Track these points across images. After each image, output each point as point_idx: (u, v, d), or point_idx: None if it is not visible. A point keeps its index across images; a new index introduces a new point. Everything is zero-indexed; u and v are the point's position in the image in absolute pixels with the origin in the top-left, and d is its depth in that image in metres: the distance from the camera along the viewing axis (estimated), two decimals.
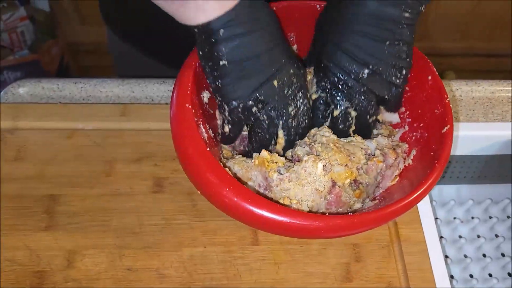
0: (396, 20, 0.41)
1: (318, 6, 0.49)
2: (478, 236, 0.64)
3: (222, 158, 0.44)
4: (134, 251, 0.46)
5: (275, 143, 0.43)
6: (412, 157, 0.46)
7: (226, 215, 0.39)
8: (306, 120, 0.44)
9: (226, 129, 0.43)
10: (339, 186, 0.41)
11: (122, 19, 0.66)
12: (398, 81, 0.43)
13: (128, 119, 0.55)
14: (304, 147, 0.43)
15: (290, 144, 0.44)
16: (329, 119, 0.45)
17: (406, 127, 0.48)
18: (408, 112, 0.48)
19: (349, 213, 0.42)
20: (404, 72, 0.43)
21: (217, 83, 0.40)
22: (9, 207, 0.48)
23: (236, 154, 0.45)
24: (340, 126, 0.45)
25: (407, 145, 0.47)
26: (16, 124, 0.54)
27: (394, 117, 0.49)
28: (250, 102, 0.41)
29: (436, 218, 0.64)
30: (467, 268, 0.61)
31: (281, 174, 0.41)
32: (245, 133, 0.45)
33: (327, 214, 0.42)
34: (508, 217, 0.66)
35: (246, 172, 0.42)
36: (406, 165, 0.46)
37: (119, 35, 0.68)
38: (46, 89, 0.59)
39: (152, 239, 0.47)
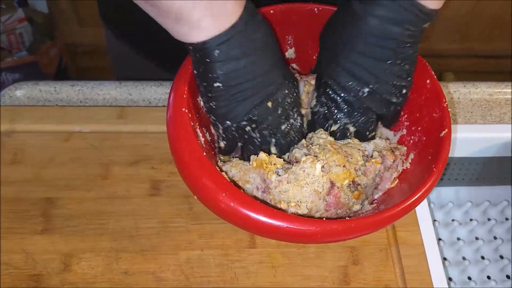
0: (399, 39, 0.39)
1: (315, 9, 0.49)
2: (477, 238, 0.63)
3: (219, 161, 0.44)
4: (130, 255, 0.46)
5: None
6: (410, 161, 0.45)
7: None
8: (299, 136, 0.44)
9: (222, 144, 0.43)
10: (337, 187, 0.41)
11: (121, 21, 0.66)
12: (397, 100, 0.43)
13: (125, 122, 0.55)
14: (301, 149, 0.43)
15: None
16: (328, 133, 0.45)
17: (404, 131, 0.48)
18: (406, 115, 0.48)
19: (348, 216, 0.42)
20: (404, 91, 0.43)
21: (211, 104, 0.40)
22: (6, 210, 0.48)
23: (233, 157, 0.45)
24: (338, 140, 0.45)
25: (405, 148, 0.47)
26: (13, 127, 0.54)
27: (389, 134, 0.49)
28: (244, 122, 0.41)
29: (434, 220, 0.64)
30: (465, 271, 0.61)
31: (279, 175, 0.40)
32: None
33: (326, 216, 0.42)
34: (506, 219, 0.66)
35: (244, 175, 0.42)
36: (404, 168, 0.46)
37: (118, 36, 0.68)
38: (43, 91, 0.59)
39: (149, 242, 0.47)
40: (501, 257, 0.62)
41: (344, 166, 0.41)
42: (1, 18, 1.33)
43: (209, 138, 0.44)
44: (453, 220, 0.65)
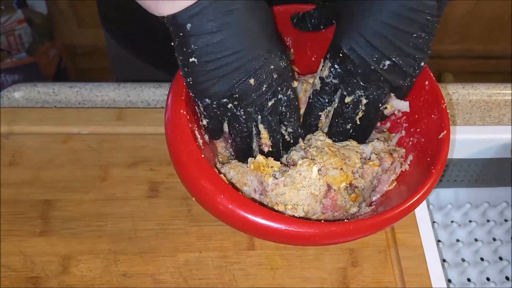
0: (431, 12, 0.38)
1: None
2: (476, 240, 0.63)
3: (218, 163, 0.44)
4: (129, 257, 0.46)
5: (259, 138, 0.42)
6: (408, 162, 0.45)
7: None
8: (290, 110, 0.42)
9: (204, 122, 0.42)
10: (334, 190, 0.41)
11: (120, 23, 0.66)
12: (415, 72, 0.41)
13: (123, 123, 0.55)
14: (299, 151, 0.43)
15: (275, 137, 0.42)
16: (335, 105, 0.43)
17: (403, 132, 0.48)
18: (405, 117, 0.48)
19: (346, 218, 0.42)
20: (422, 63, 0.41)
21: (188, 79, 0.38)
22: (4, 212, 0.48)
23: (232, 159, 0.45)
24: (349, 113, 0.43)
25: (404, 150, 0.46)
26: (12, 128, 0.54)
27: (403, 105, 0.47)
28: (225, 100, 0.38)
29: (433, 222, 0.64)
30: (464, 272, 0.61)
31: (276, 178, 0.40)
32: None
33: (323, 218, 0.41)
34: (505, 220, 0.66)
35: (241, 177, 0.42)
36: (403, 170, 0.46)
37: (117, 38, 0.68)
38: (41, 93, 0.58)
39: (148, 244, 0.47)
40: (501, 258, 0.62)
41: (341, 169, 0.41)
42: (0, 19, 1.33)
43: (207, 140, 0.44)
44: (452, 221, 0.65)
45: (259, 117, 0.40)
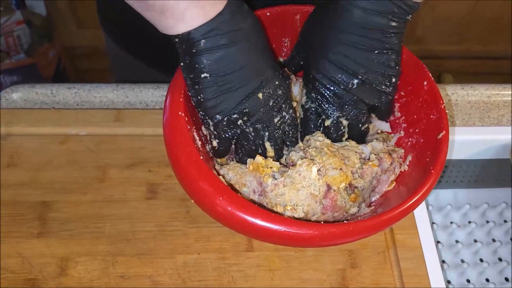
0: (384, 29, 0.40)
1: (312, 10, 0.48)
2: (475, 241, 0.63)
3: (216, 164, 0.44)
4: (127, 258, 0.46)
5: (265, 156, 0.43)
6: (408, 163, 0.45)
7: None
8: (293, 129, 0.44)
9: (214, 143, 0.42)
10: (334, 190, 0.41)
11: (120, 25, 0.65)
12: (387, 89, 0.43)
13: (122, 125, 0.55)
14: (298, 152, 0.43)
15: (279, 153, 0.44)
16: (321, 129, 0.45)
17: (402, 133, 0.47)
18: (403, 117, 0.48)
19: (346, 219, 0.42)
20: (393, 80, 0.43)
21: (199, 97, 0.39)
22: (2, 213, 0.48)
23: (231, 160, 0.45)
24: (333, 135, 0.45)
25: (403, 151, 0.46)
26: (10, 129, 0.54)
27: (385, 126, 0.49)
28: (235, 115, 0.40)
29: (432, 223, 0.64)
30: (464, 273, 0.61)
31: (275, 179, 0.40)
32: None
33: (322, 219, 0.41)
34: (505, 221, 0.65)
35: (240, 178, 0.42)
36: (402, 170, 0.46)
37: (117, 40, 0.68)
38: (40, 94, 0.58)
39: (146, 246, 0.47)
40: (500, 259, 0.62)
41: (340, 169, 0.41)
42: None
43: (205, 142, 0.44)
44: (451, 222, 0.65)
45: (266, 133, 0.42)
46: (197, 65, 0.38)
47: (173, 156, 0.38)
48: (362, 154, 0.44)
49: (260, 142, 0.42)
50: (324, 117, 0.44)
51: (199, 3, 0.35)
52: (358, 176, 0.42)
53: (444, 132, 0.42)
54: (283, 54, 0.52)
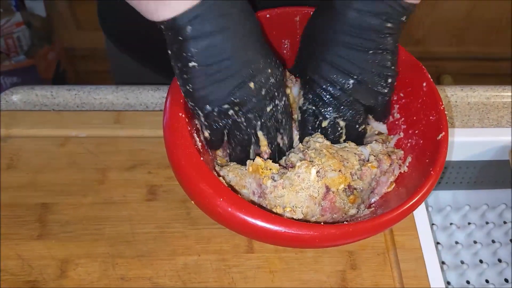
0: (378, 30, 0.40)
1: (312, 12, 0.48)
2: (475, 242, 0.63)
3: (216, 165, 0.44)
4: (127, 260, 0.46)
5: (258, 146, 0.42)
6: (407, 164, 0.45)
7: None
8: (286, 117, 0.43)
9: (206, 134, 0.41)
10: (333, 192, 0.41)
11: (121, 27, 0.65)
12: (384, 90, 0.43)
13: (122, 126, 0.55)
14: (297, 153, 0.43)
15: (272, 142, 0.43)
16: (319, 131, 0.45)
17: (401, 134, 0.48)
18: (403, 118, 0.48)
19: (345, 220, 0.42)
20: (389, 80, 0.43)
21: (187, 87, 0.38)
22: (1, 215, 0.48)
23: (231, 162, 0.45)
24: (331, 137, 0.45)
25: (402, 152, 0.46)
26: (9, 131, 0.54)
27: (382, 128, 0.49)
28: (226, 105, 0.38)
29: (432, 224, 0.64)
30: (463, 274, 0.61)
31: (275, 180, 0.40)
32: None
33: (322, 220, 0.41)
34: (504, 222, 0.66)
35: (240, 180, 0.42)
36: (402, 172, 0.46)
37: (118, 43, 0.68)
38: (39, 96, 0.58)
39: (146, 247, 0.47)
40: (500, 260, 0.62)
41: (339, 170, 0.41)
42: None
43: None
44: (451, 223, 0.65)
45: (259, 123, 0.40)
46: (184, 54, 0.36)
47: (173, 158, 0.39)
48: (361, 155, 0.44)
49: (253, 131, 0.41)
50: (321, 118, 0.44)
51: None
52: (357, 178, 0.43)
53: (443, 133, 0.42)
54: (283, 54, 0.52)
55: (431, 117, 0.44)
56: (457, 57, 1.55)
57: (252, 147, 0.43)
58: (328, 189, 0.41)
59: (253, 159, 0.41)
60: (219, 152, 0.46)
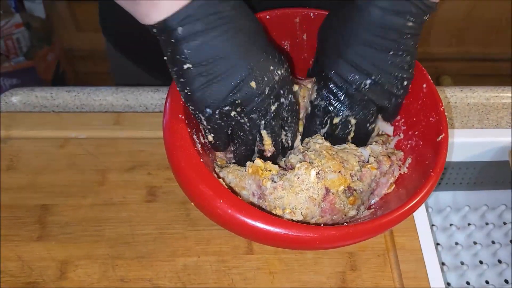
0: (401, 30, 0.39)
1: (311, 14, 0.48)
2: (475, 243, 0.63)
3: (216, 167, 0.44)
4: (127, 261, 0.46)
5: (262, 145, 0.42)
6: (407, 165, 0.45)
7: None
8: (291, 115, 0.42)
9: (210, 138, 0.41)
10: (332, 193, 0.41)
11: (121, 29, 0.65)
12: (398, 92, 0.43)
13: (121, 128, 0.55)
14: (297, 154, 0.43)
15: (276, 140, 0.42)
16: (327, 126, 0.44)
17: (401, 135, 0.48)
18: (403, 120, 0.48)
19: (345, 221, 0.42)
20: (405, 83, 0.43)
21: (186, 91, 0.37)
22: (1, 217, 0.48)
23: (231, 163, 0.45)
24: (340, 134, 0.44)
25: (402, 153, 0.46)
26: (9, 133, 0.54)
27: (389, 129, 0.48)
28: (227, 107, 0.38)
29: (432, 225, 0.64)
30: (463, 275, 0.61)
31: (274, 182, 0.40)
32: None
33: (321, 222, 0.41)
34: (504, 223, 0.65)
35: (240, 181, 0.42)
36: (402, 173, 0.46)
37: (118, 45, 0.68)
38: (39, 97, 0.58)
39: (145, 249, 0.47)
40: (499, 261, 0.62)
41: (339, 172, 0.41)
42: None
43: (205, 142, 0.44)
44: (451, 224, 0.65)
45: (263, 122, 0.40)
46: (178, 56, 0.35)
47: (173, 159, 0.39)
48: (361, 157, 0.44)
49: (257, 131, 0.41)
50: (333, 115, 0.44)
51: None
52: (357, 179, 0.43)
53: (443, 134, 0.42)
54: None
55: (431, 118, 0.44)
56: (456, 57, 1.55)
57: (256, 144, 0.42)
58: (327, 190, 0.41)
59: (253, 161, 0.41)
60: (219, 154, 0.46)
